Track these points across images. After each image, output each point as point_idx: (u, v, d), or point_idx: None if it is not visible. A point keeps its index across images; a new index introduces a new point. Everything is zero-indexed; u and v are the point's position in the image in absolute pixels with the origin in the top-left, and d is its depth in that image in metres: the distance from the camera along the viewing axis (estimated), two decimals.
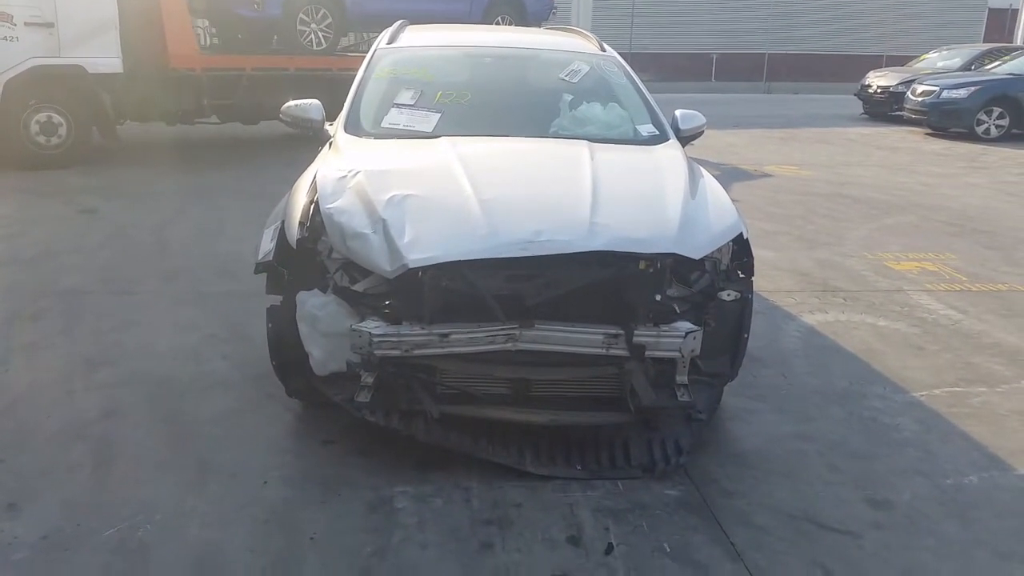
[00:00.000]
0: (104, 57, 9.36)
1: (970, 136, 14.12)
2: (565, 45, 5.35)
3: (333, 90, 7.14)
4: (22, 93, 8.97)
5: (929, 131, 15.00)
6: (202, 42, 11.32)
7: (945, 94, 14.39)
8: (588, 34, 5.69)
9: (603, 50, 5.21)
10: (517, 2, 12.63)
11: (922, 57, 19.44)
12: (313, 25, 10.79)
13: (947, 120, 14.54)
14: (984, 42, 23.83)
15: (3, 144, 9.16)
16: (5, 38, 8.73)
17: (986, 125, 14.14)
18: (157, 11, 9.76)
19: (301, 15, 10.71)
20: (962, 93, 14.22)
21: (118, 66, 9.44)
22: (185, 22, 10.12)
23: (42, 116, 9.20)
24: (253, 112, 10.76)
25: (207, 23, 11.82)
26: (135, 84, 9.73)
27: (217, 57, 10.84)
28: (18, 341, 4.37)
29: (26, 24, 8.80)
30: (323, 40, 10.91)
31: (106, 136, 9.90)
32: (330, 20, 10.88)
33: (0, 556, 2.61)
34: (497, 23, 12.23)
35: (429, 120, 4.23)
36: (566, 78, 4.70)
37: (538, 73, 5.01)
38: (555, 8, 13.90)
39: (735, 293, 3.38)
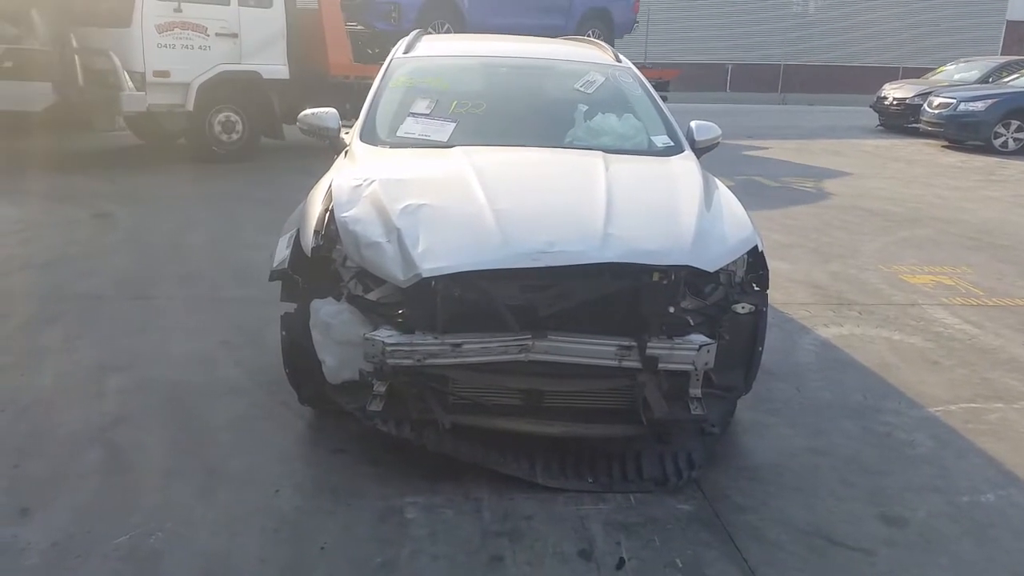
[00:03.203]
0: (275, 64, 10.64)
1: (987, 149, 14.05)
2: (580, 56, 5.35)
3: None
4: (210, 95, 10.10)
5: (946, 144, 14.94)
6: None
7: (962, 106, 14.33)
8: (603, 45, 5.70)
9: (618, 61, 5.21)
10: (606, 17, 14.00)
11: (939, 69, 19.36)
12: None
13: (964, 133, 14.47)
14: (1002, 55, 23.70)
15: (189, 140, 10.50)
16: (201, 47, 9.95)
17: (1004, 138, 14.08)
18: (319, 24, 10.90)
19: (430, 28, 11.41)
20: (979, 106, 14.16)
21: (285, 73, 10.70)
22: (343, 34, 11.12)
23: (223, 116, 10.39)
24: None
25: None
26: (298, 89, 10.68)
27: (368, 66, 11.35)
28: (33, 345, 4.39)
29: (217, 34, 10.05)
30: None
31: (274, 135, 10.92)
32: (453, 34, 11.48)
33: (11, 562, 2.62)
34: (588, 35, 13.03)
35: (444, 130, 4.23)
36: (581, 89, 4.70)
37: (553, 84, 5.01)
38: (637, 21, 15.03)
39: (749, 306, 3.36)
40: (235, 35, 10.21)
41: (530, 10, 12.68)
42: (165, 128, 10.54)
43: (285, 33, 10.64)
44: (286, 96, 10.60)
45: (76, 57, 9.65)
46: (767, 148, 14.13)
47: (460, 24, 11.98)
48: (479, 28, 11.58)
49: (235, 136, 10.55)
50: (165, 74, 9.70)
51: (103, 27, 9.68)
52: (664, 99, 14.90)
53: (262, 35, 10.47)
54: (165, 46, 9.66)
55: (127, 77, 9.41)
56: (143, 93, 9.56)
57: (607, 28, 13.96)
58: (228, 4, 10.15)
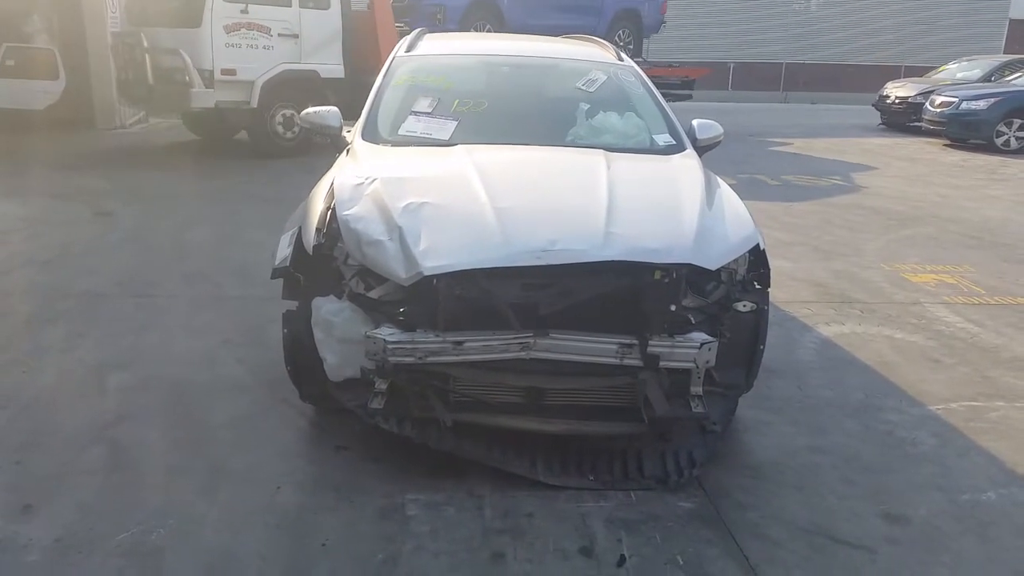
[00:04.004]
0: (331, 64, 11.11)
1: (989, 148, 14.03)
2: (582, 54, 5.35)
3: None
4: (273, 93, 10.57)
5: (948, 142, 14.92)
6: None
7: (964, 105, 14.31)
8: (605, 43, 5.69)
9: (620, 59, 5.21)
10: (635, 18, 14.73)
11: (941, 68, 19.34)
12: None
13: (966, 131, 14.46)
14: (1005, 53, 23.66)
15: (252, 136, 10.96)
16: (264, 47, 10.47)
17: (1006, 137, 14.06)
18: (372, 25, 11.42)
19: (473, 28, 12.16)
20: (982, 104, 14.14)
21: (341, 72, 11.14)
22: (394, 35, 11.32)
23: (283, 113, 10.79)
24: None
25: None
26: (351, 87, 10.85)
27: None
28: (35, 343, 4.40)
29: (279, 35, 10.58)
30: None
31: None
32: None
33: (14, 558, 2.63)
34: (618, 36, 14.04)
35: (446, 128, 4.23)
36: (583, 87, 4.70)
37: (555, 82, 5.01)
38: (664, 22, 15.56)
39: (751, 304, 3.37)
40: (296, 36, 10.69)
41: (564, 11, 13.36)
42: (227, 124, 10.91)
43: (341, 34, 11.10)
44: (341, 94, 10.68)
45: (147, 56, 10.15)
46: (769, 146, 14.12)
47: (500, 25, 12.63)
48: (518, 28, 12.08)
49: (294, 132, 10.84)
50: (232, 72, 10.18)
51: (174, 27, 10.19)
52: (689, 97, 15.44)
53: (320, 36, 10.93)
54: (232, 45, 10.15)
55: (197, 75, 9.93)
56: (212, 90, 10.06)
57: (636, 28, 14.67)
58: (290, 6, 10.62)
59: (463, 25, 12.32)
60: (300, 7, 10.72)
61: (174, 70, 10.03)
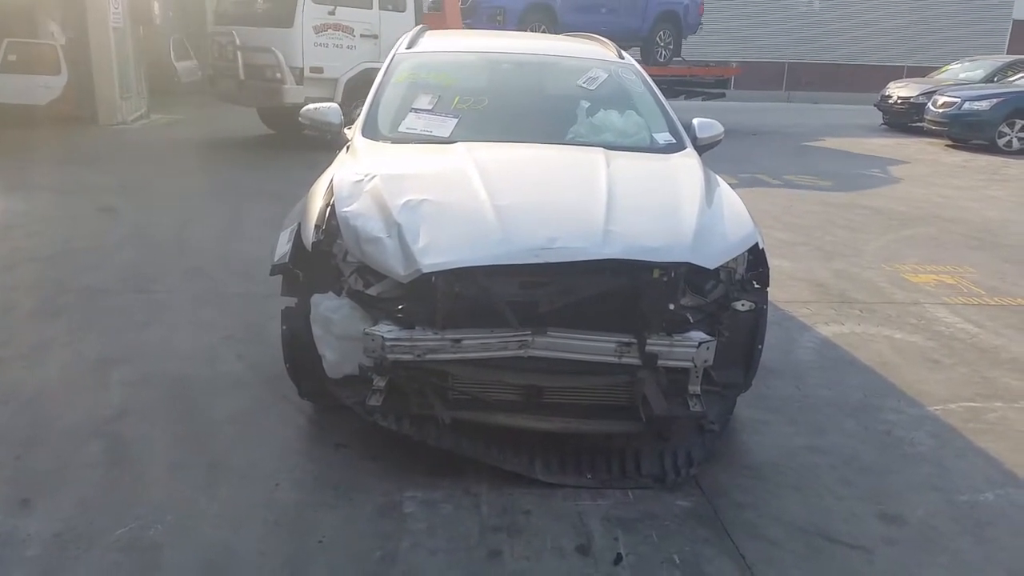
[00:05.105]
0: None
1: (991, 148, 14.02)
2: (583, 52, 5.34)
3: None
4: (355, 90, 10.72)
5: (950, 143, 14.90)
6: None
7: (967, 106, 14.29)
8: (607, 41, 5.68)
9: (621, 57, 5.21)
10: (676, 19, 15.30)
11: (944, 68, 19.31)
12: None
13: (968, 132, 14.44)
14: (1008, 54, 23.61)
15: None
16: (348, 47, 11.14)
17: (1008, 137, 14.04)
18: (443, 26, 11.53)
19: (529, 29, 12.67)
20: (984, 105, 14.12)
21: None
22: None
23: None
24: None
25: None
26: None
27: None
28: (37, 338, 4.41)
29: (361, 36, 11.24)
30: None
31: None
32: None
33: (13, 553, 2.64)
34: (659, 37, 14.79)
35: (446, 125, 4.23)
36: (584, 85, 4.70)
37: (556, 80, 5.01)
38: (702, 23, 16.05)
39: (749, 303, 3.37)
40: (376, 36, 11.27)
41: (611, 13, 14.21)
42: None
43: None
44: None
45: (239, 53, 10.83)
46: (770, 145, 14.10)
47: (553, 26, 13.17)
48: (569, 29, 12.51)
49: None
50: (319, 70, 10.85)
51: (266, 27, 10.85)
52: (723, 96, 15.98)
53: (396, 36, 10.93)
54: (320, 45, 10.86)
55: (289, 72, 10.65)
56: (301, 87, 10.70)
57: (676, 29, 15.32)
58: (371, 8, 11.30)
59: (521, 26, 12.95)
60: (380, 9, 11.34)
61: (266, 67, 10.66)
